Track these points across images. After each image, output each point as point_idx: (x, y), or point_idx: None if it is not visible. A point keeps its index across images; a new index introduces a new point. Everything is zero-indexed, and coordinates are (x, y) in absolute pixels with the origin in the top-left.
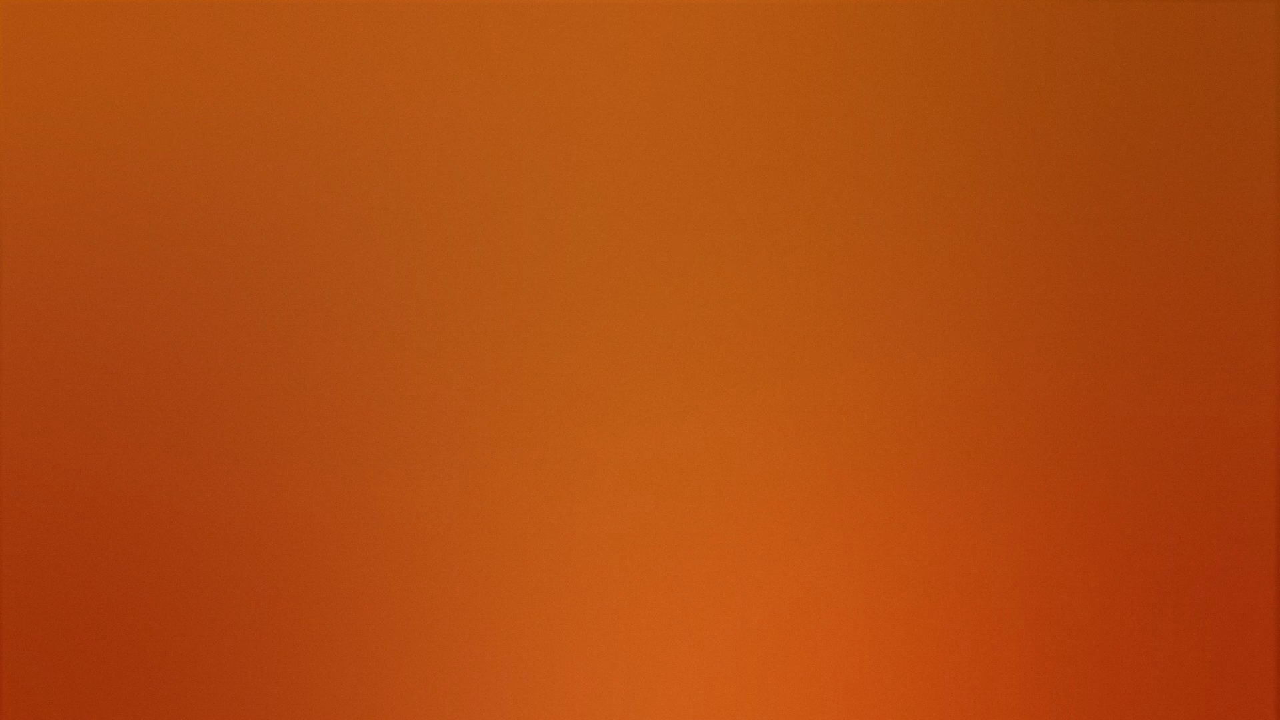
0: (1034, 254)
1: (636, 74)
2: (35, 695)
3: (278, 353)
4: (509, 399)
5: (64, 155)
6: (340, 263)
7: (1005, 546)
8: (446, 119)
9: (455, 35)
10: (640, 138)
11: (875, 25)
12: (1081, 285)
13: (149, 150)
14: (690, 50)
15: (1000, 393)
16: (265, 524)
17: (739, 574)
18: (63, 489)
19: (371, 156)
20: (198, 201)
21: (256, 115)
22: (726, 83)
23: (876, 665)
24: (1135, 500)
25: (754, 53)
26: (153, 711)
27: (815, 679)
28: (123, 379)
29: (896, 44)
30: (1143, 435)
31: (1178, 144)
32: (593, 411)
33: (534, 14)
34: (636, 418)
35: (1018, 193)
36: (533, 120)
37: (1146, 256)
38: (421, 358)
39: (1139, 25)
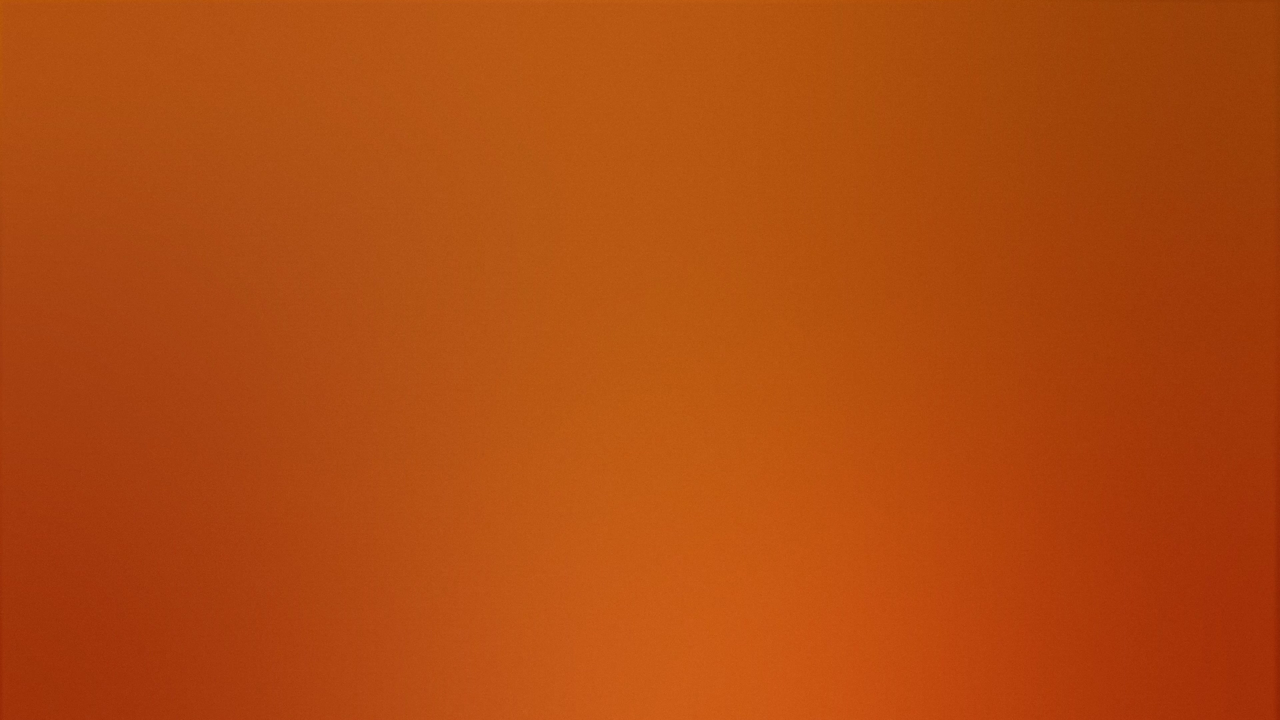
0: (1034, 254)
1: (636, 74)
2: (35, 695)
3: (277, 352)
4: (509, 398)
5: (64, 155)
6: (340, 262)
7: (1005, 546)
8: (446, 119)
9: (455, 35)
10: (640, 138)
11: (875, 25)
12: (1082, 285)
13: (149, 150)
14: (690, 50)
15: (1000, 392)
16: (265, 524)
17: (739, 572)
18: (63, 489)
19: (371, 156)
20: (198, 201)
21: (256, 115)
22: (726, 83)
23: (876, 665)
24: (1135, 499)
25: (754, 53)
26: (153, 711)
27: (815, 678)
28: (123, 379)
29: (897, 44)
30: (1143, 434)
31: (1178, 144)
32: (593, 410)
33: (534, 14)
34: (636, 416)
35: (1017, 192)
36: (532, 120)
37: (1146, 256)
38: (421, 357)
39: (1139, 25)
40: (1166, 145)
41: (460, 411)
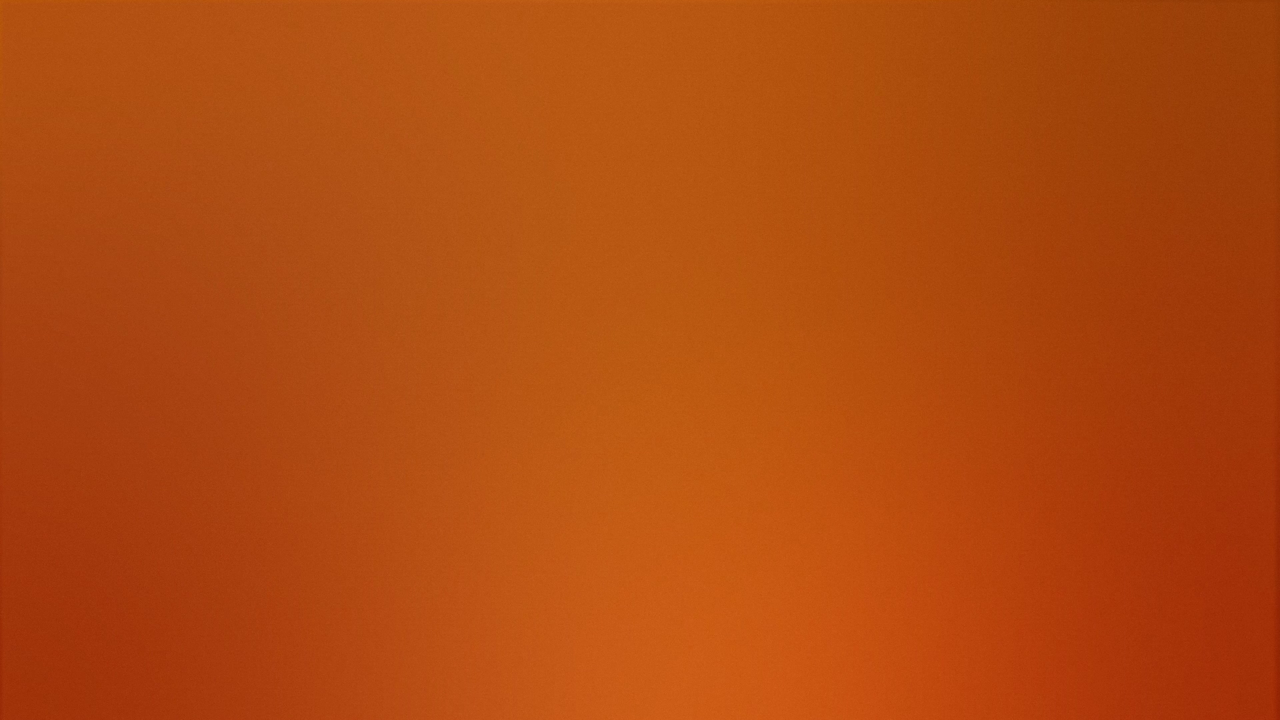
0: (1034, 254)
1: (637, 74)
2: (35, 695)
3: (278, 352)
4: (509, 398)
5: (64, 155)
6: (340, 262)
7: (1005, 546)
8: (446, 119)
9: (455, 35)
10: (640, 138)
11: (875, 25)
12: (1082, 285)
13: (149, 150)
14: (690, 50)
15: (1000, 392)
16: (265, 524)
17: (739, 572)
18: (63, 489)
19: (371, 156)
20: (197, 201)
21: (256, 115)
22: (726, 83)
23: (876, 665)
24: (1135, 499)
25: (754, 53)
26: (153, 711)
27: (815, 678)
28: (123, 379)
29: (897, 44)
30: (1143, 434)
31: (1178, 144)
32: (593, 410)
33: (534, 14)
34: (636, 416)
35: (1017, 192)
36: (532, 120)
37: (1146, 256)
38: (421, 357)
39: (1139, 25)
40: (1166, 145)
41: (460, 411)
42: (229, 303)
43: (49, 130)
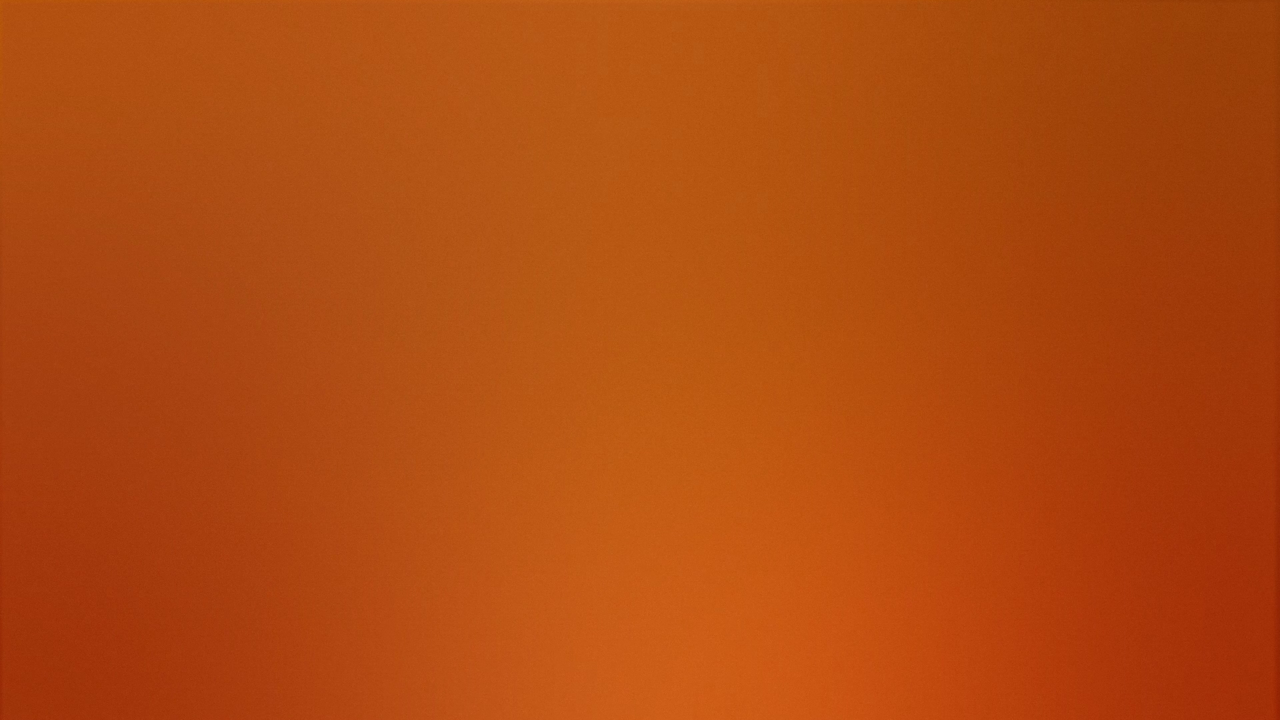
0: (1034, 254)
1: (637, 74)
2: (35, 695)
3: (278, 353)
4: (509, 399)
5: (64, 155)
6: (339, 263)
7: (1005, 546)
8: (446, 119)
9: (455, 36)
10: (640, 138)
11: (875, 25)
12: (1082, 285)
13: (148, 150)
14: (690, 50)
15: (1000, 393)
16: (265, 524)
17: (739, 573)
18: (63, 489)
19: (371, 156)
20: (197, 201)
21: (256, 115)
22: (726, 83)
23: (877, 665)
24: (1135, 499)
25: (754, 53)
26: (153, 711)
27: (816, 678)
28: (123, 379)
29: (897, 44)
30: (1143, 434)
31: (1178, 144)
32: (593, 411)
33: (534, 14)
34: (637, 417)
35: (1016, 192)
36: (533, 120)
37: (1146, 256)
38: (420, 357)
39: (1139, 25)
40: (1166, 145)
41: (461, 412)
42: (229, 303)
43: (49, 130)
